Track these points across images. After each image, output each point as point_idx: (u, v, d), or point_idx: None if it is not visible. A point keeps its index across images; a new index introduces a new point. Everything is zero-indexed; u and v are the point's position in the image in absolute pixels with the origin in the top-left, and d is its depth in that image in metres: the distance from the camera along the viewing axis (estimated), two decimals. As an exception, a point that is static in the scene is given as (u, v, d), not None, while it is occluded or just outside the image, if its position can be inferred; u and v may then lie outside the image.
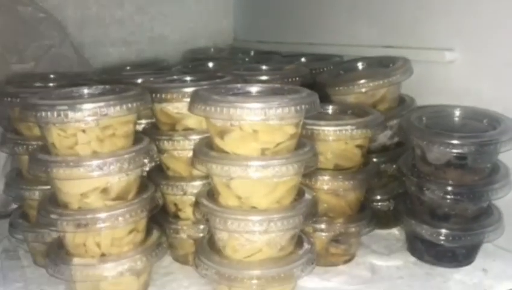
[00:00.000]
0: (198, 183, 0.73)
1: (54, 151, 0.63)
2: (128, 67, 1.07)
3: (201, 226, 0.75)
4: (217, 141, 0.62)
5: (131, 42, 1.37)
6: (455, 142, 0.70)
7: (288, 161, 0.60)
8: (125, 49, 1.36)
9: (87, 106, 0.59)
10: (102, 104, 0.60)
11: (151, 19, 1.39)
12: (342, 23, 1.09)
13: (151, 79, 0.83)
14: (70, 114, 0.58)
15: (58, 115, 0.58)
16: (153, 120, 0.77)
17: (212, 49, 1.39)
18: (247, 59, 1.14)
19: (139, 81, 0.85)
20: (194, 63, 1.08)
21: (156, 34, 1.40)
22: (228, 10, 1.50)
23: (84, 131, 0.61)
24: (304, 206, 0.63)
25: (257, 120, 0.58)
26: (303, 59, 1.06)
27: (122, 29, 1.35)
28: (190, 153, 0.71)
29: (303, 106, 0.59)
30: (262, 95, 0.65)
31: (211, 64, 1.04)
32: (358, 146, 0.74)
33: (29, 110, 0.61)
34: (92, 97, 0.66)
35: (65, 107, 0.58)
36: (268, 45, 1.32)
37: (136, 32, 1.37)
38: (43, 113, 0.59)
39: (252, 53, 1.26)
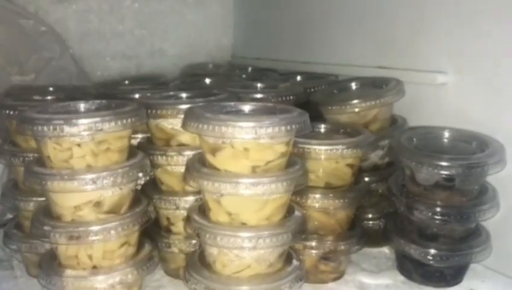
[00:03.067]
0: (191, 198, 0.74)
1: (49, 164, 0.64)
2: (126, 82, 1.08)
3: (193, 241, 0.76)
4: (209, 158, 0.63)
5: (131, 56, 1.39)
6: (444, 163, 0.71)
7: (279, 178, 0.61)
8: (125, 62, 1.38)
9: (83, 121, 0.61)
10: (97, 119, 0.61)
11: (151, 34, 1.41)
12: (337, 43, 1.11)
13: (148, 94, 0.85)
14: (66, 128, 0.60)
15: (54, 129, 0.60)
16: (149, 134, 0.78)
17: (211, 65, 1.40)
18: (244, 76, 1.15)
19: (136, 96, 0.87)
20: (191, 79, 1.10)
21: (155, 49, 1.42)
22: (228, 27, 1.52)
23: (79, 145, 0.62)
24: (294, 223, 0.64)
25: (248, 138, 0.59)
26: (298, 77, 1.08)
27: (122, 43, 1.37)
28: (183, 169, 0.73)
29: (293, 126, 0.60)
30: (254, 113, 0.67)
31: (208, 81, 1.06)
32: (349, 165, 0.75)
33: (26, 124, 0.62)
34: (88, 112, 0.68)
35: (61, 122, 0.60)
36: (266, 62, 1.34)
37: (136, 47, 1.39)
38: (39, 127, 0.60)
39: (250, 70, 1.28)
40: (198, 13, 1.47)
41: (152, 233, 0.77)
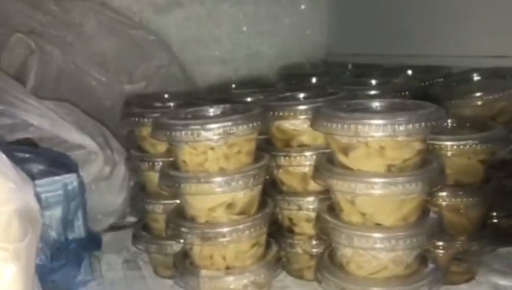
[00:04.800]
0: (313, 198, 0.74)
1: (185, 167, 0.66)
2: (233, 85, 1.10)
3: (316, 241, 0.75)
4: (340, 158, 0.63)
5: (229, 60, 1.41)
6: None
7: (416, 177, 0.59)
8: (223, 67, 1.40)
9: (217, 125, 0.62)
10: (230, 123, 0.63)
11: (248, 37, 1.43)
12: (447, 32, 1.06)
13: (261, 97, 0.86)
14: (202, 133, 0.62)
15: (192, 134, 0.62)
16: (265, 136, 0.79)
17: (307, 65, 1.39)
18: (347, 73, 1.13)
19: (249, 99, 0.88)
20: (295, 79, 1.10)
21: (252, 52, 1.44)
22: (322, 24, 1.51)
23: (213, 149, 0.64)
24: (431, 224, 0.62)
25: (385, 136, 0.58)
26: (409, 71, 1.04)
27: (220, 47, 1.40)
28: (305, 169, 0.73)
29: (432, 122, 0.58)
30: (386, 110, 0.65)
31: (313, 80, 1.05)
32: (481, 161, 0.71)
33: (162, 130, 0.65)
34: (219, 117, 0.69)
35: (198, 127, 0.62)
36: (364, 58, 1.31)
37: (234, 50, 1.42)
38: (177, 133, 0.63)
39: (350, 66, 1.25)
40: (292, 13, 1.46)
41: (275, 234, 0.77)
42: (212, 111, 0.72)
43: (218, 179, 0.64)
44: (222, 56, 1.41)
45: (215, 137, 0.63)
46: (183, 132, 0.62)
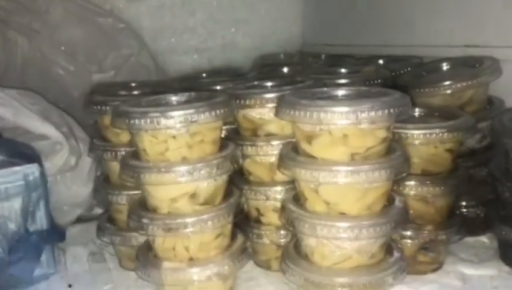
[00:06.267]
0: (280, 188, 0.73)
1: (145, 157, 0.64)
2: (204, 75, 1.08)
3: (283, 232, 0.74)
4: (304, 146, 0.61)
5: (203, 50, 1.39)
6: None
7: (380, 166, 0.58)
8: (197, 56, 1.38)
9: (178, 113, 0.60)
10: (192, 110, 0.61)
11: (222, 26, 1.41)
12: (418, 22, 1.06)
13: (231, 86, 0.84)
14: (163, 121, 0.60)
15: (151, 122, 0.60)
16: (233, 126, 0.78)
17: (282, 55, 1.38)
18: (320, 63, 1.12)
19: (218, 88, 0.86)
20: (267, 69, 1.09)
21: (227, 41, 1.42)
22: (297, 15, 1.50)
23: (174, 137, 0.62)
24: (396, 213, 0.61)
25: (348, 124, 0.57)
26: (380, 61, 1.04)
27: (194, 37, 1.38)
28: (272, 159, 0.72)
29: (396, 109, 0.57)
30: (351, 98, 0.64)
31: (285, 70, 1.04)
32: (449, 150, 0.71)
33: (122, 118, 0.63)
34: (181, 104, 0.67)
35: (157, 114, 0.60)
36: (338, 48, 1.30)
37: (208, 40, 1.40)
38: (136, 121, 0.61)
39: (323, 57, 1.25)
40: (267, 3, 1.45)
41: (242, 225, 0.76)
42: (175, 99, 0.70)
43: (180, 169, 0.62)
44: (196, 46, 1.39)
45: (177, 125, 0.61)
46: (142, 120, 0.60)
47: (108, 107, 0.74)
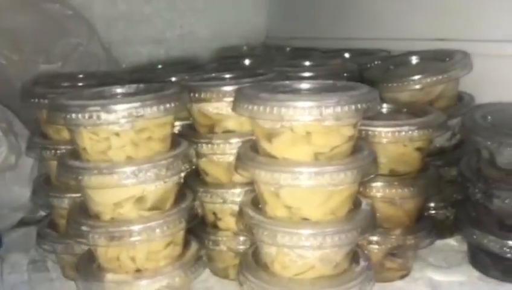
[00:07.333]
0: (239, 190, 0.67)
1: (85, 156, 0.57)
2: (159, 66, 1.01)
3: (242, 238, 0.68)
4: (264, 145, 0.56)
5: (161, 40, 1.32)
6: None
7: (346, 167, 0.53)
8: (154, 47, 1.31)
9: (121, 107, 0.53)
10: (137, 104, 0.54)
11: (181, 16, 1.34)
12: (386, 15, 1.02)
13: (186, 77, 0.78)
14: (103, 116, 0.53)
15: (90, 116, 0.53)
16: (189, 122, 0.71)
17: (245, 47, 1.33)
18: (284, 56, 1.07)
19: (173, 79, 0.80)
20: (228, 61, 1.02)
21: (185, 32, 1.35)
22: (260, 6, 1.44)
23: (117, 134, 0.55)
24: (362, 218, 0.56)
25: (311, 120, 0.51)
26: (346, 54, 0.99)
27: (151, 26, 1.30)
28: (231, 158, 0.65)
29: (363, 104, 0.52)
30: (315, 92, 0.58)
31: (247, 62, 0.98)
32: (418, 149, 0.66)
33: (58, 112, 0.55)
34: (126, 97, 0.60)
35: (97, 108, 0.53)
36: (303, 41, 1.26)
37: (166, 30, 1.32)
38: (73, 115, 0.53)
39: (288, 50, 1.19)
40: (229, -8, 1.39)
41: (197, 230, 0.69)
42: (121, 91, 0.63)
43: (124, 170, 0.55)
44: (153, 36, 1.31)
45: (120, 120, 0.54)
46: (79, 114, 0.53)
47: (46, 100, 0.66)
